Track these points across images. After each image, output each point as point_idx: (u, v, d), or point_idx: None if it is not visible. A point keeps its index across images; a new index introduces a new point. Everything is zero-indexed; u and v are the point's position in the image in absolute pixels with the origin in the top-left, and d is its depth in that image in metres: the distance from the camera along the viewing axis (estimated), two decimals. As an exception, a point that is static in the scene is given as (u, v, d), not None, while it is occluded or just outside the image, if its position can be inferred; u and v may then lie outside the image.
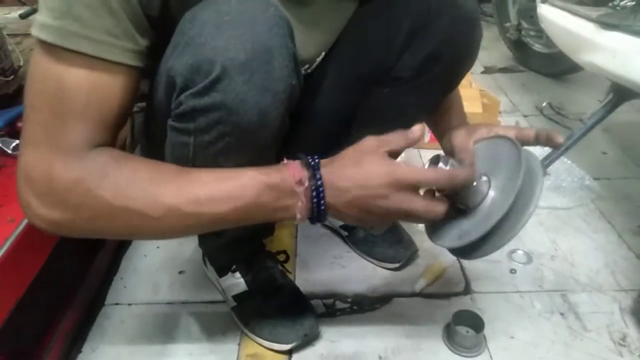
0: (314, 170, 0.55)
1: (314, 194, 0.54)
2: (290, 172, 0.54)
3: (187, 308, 0.91)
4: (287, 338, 0.81)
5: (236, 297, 0.85)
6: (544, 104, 1.56)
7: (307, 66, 0.71)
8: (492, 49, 2.18)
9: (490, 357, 0.80)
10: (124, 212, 0.51)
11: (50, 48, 0.48)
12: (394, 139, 0.57)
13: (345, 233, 1.04)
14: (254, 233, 0.86)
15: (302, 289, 0.89)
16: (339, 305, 0.91)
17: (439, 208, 0.56)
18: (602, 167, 1.27)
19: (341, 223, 1.04)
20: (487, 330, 0.82)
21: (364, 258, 1.01)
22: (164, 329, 0.87)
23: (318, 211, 0.55)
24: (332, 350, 0.82)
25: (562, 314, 0.88)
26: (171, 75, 0.53)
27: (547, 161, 1.14)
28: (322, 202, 0.55)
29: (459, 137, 0.69)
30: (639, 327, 0.84)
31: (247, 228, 0.63)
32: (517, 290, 0.93)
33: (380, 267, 0.99)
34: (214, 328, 0.86)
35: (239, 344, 0.83)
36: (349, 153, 0.57)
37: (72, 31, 0.47)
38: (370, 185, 0.54)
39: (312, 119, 0.77)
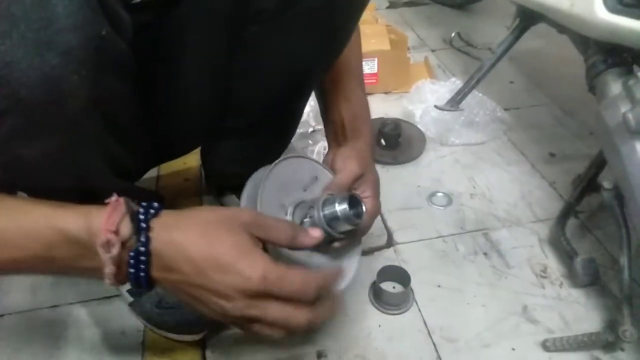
0: (139, 230, 0.40)
1: (132, 261, 0.40)
2: (104, 224, 0.39)
3: (76, 309, 0.77)
4: (197, 327, 0.71)
5: (132, 291, 0.73)
6: (453, 35, 1.52)
7: None
8: (395, -18, 2.08)
9: (419, 310, 0.76)
10: None
11: None
12: (276, 230, 0.44)
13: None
14: None
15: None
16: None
17: (302, 318, 0.43)
18: (511, 97, 1.26)
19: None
20: (413, 283, 0.77)
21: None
22: (51, 338, 0.73)
23: (137, 283, 0.42)
24: (251, 330, 0.74)
25: (485, 253, 0.86)
26: None
27: (460, 96, 1.11)
28: (142, 274, 0.41)
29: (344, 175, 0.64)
30: (557, 256, 0.84)
31: None
32: (439, 236, 0.89)
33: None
34: (111, 328, 0.74)
35: (142, 343, 0.72)
36: (204, 215, 0.43)
37: None
38: (212, 277, 0.40)
39: (177, 80, 0.60)
